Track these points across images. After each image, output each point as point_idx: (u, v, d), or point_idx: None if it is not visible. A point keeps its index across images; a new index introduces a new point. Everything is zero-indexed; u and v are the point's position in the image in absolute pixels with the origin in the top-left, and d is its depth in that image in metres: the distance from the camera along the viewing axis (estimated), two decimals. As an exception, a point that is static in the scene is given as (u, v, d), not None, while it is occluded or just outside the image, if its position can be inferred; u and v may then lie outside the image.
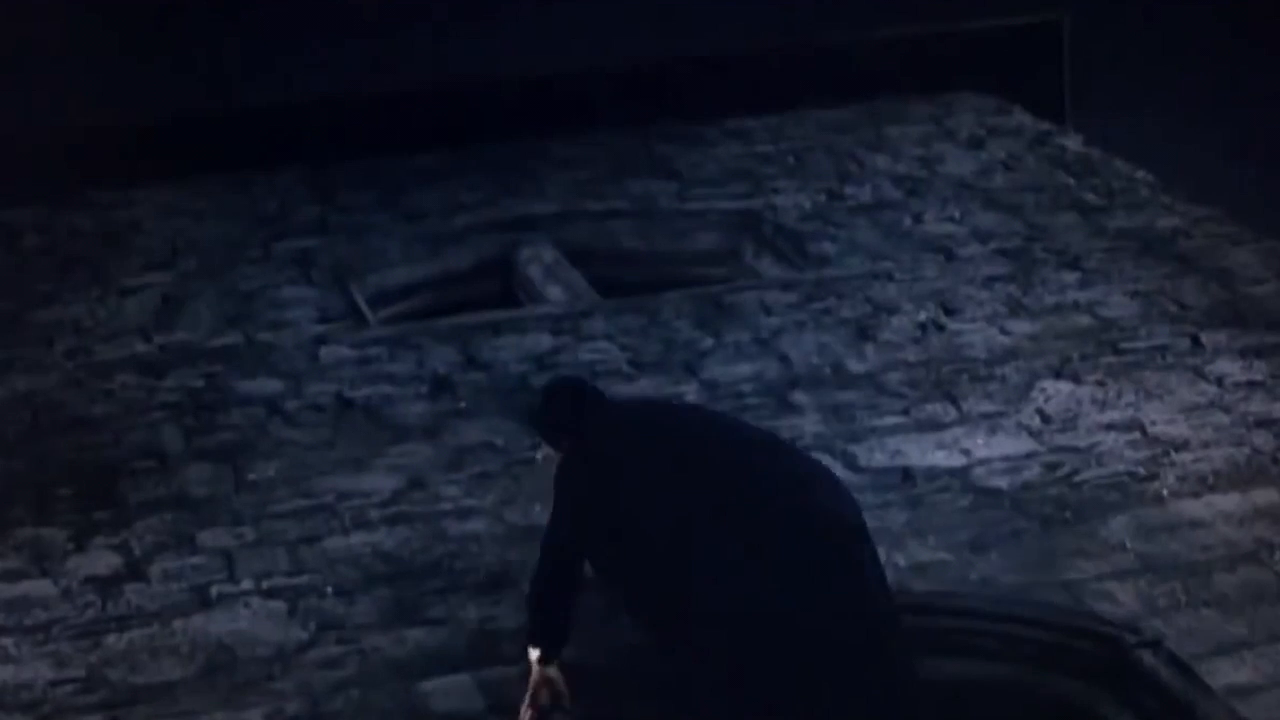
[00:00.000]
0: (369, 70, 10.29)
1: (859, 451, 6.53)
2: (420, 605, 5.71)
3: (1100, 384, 6.97)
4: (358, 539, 6.11)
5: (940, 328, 7.52)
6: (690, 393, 7.02)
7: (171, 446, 6.78)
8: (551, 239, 8.73)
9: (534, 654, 5.19)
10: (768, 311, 7.75)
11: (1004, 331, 7.45)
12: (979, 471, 6.36)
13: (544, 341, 7.54)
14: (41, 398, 7.23)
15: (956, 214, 8.76)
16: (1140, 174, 9.19)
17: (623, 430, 5.27)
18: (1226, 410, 6.71)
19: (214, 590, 5.83)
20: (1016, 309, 7.66)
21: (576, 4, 10.96)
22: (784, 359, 7.30)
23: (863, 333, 7.50)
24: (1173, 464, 6.35)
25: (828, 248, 8.42)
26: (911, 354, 7.29)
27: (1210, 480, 6.23)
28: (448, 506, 6.29)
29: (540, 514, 6.20)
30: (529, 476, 6.46)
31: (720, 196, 9.18)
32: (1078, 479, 6.28)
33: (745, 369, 7.22)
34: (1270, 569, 5.70)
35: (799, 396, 6.97)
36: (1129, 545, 5.86)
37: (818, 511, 4.84)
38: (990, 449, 6.51)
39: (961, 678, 5.43)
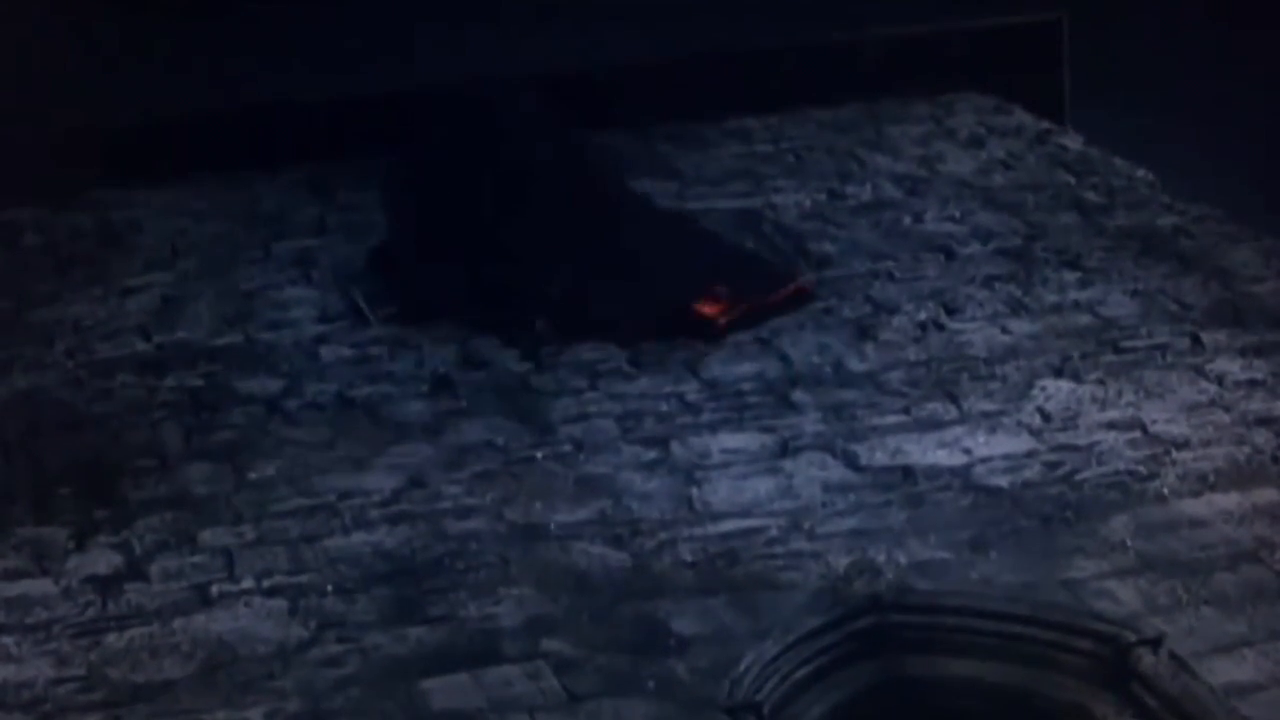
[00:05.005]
0: (369, 70, 10.28)
1: (860, 450, 6.53)
2: (421, 604, 5.72)
3: (1101, 383, 6.97)
4: (358, 538, 6.11)
5: (941, 327, 7.52)
6: (691, 392, 7.02)
7: (172, 446, 6.79)
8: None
9: None
10: (768, 310, 7.75)
11: (1004, 330, 7.45)
12: (979, 470, 6.37)
13: (544, 341, 7.54)
14: (42, 397, 7.23)
15: (957, 213, 8.75)
16: (1140, 173, 9.19)
17: None
18: (1227, 409, 6.71)
19: (214, 589, 5.83)
20: (1017, 308, 7.66)
21: (576, 4, 10.95)
22: (784, 358, 7.30)
23: (863, 332, 7.50)
24: (1173, 463, 6.35)
25: (828, 247, 8.42)
26: (912, 353, 7.30)
27: (1211, 479, 6.23)
28: (448, 505, 6.29)
29: (541, 511, 6.22)
30: (529, 475, 6.47)
31: (720, 196, 9.17)
32: (1078, 478, 6.28)
33: (746, 368, 7.22)
34: (1270, 568, 5.70)
35: (800, 395, 6.97)
36: (1129, 544, 5.86)
37: None
38: (991, 448, 6.51)
39: (961, 677, 5.44)
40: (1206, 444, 6.46)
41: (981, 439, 6.57)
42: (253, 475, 6.53)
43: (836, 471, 6.40)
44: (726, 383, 7.09)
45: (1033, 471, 6.33)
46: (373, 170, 8.84)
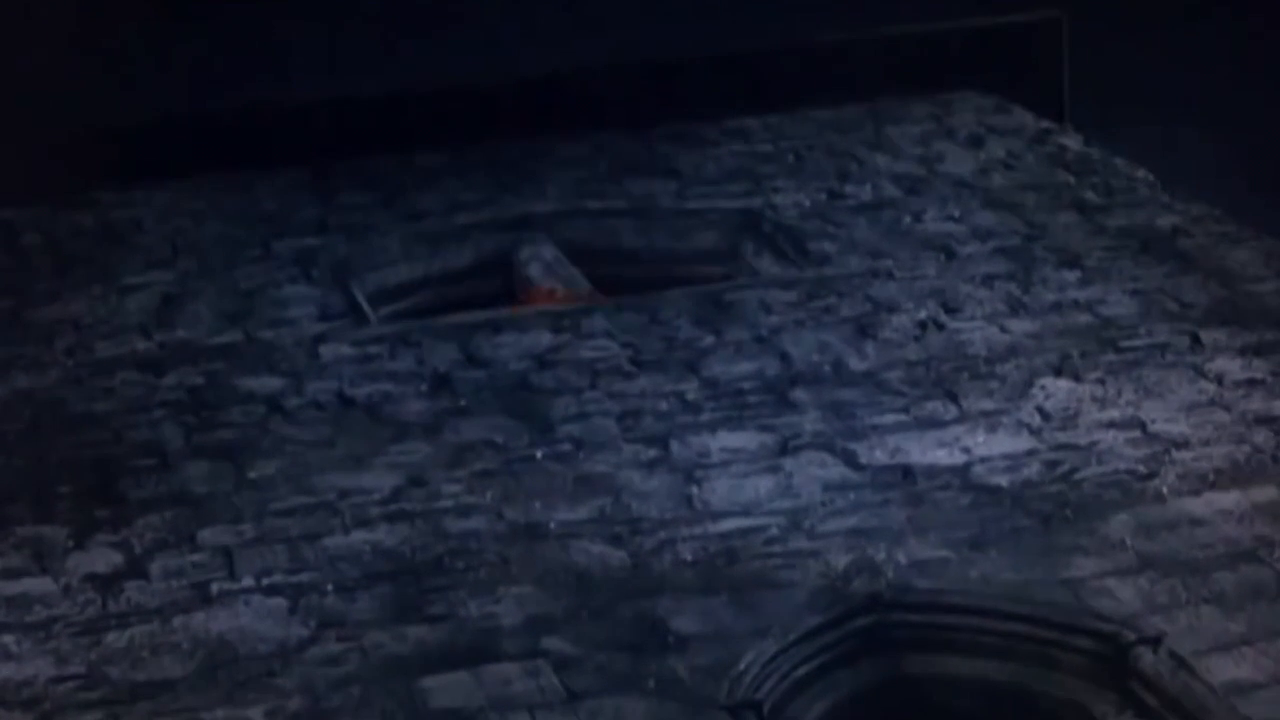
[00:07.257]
0: (369, 70, 10.29)
1: (859, 449, 6.53)
2: (421, 602, 5.72)
3: (1100, 382, 6.97)
4: (358, 536, 6.11)
5: (940, 326, 7.52)
6: (691, 390, 7.03)
7: (172, 444, 6.79)
8: (552, 238, 8.73)
9: None
10: (768, 310, 7.75)
11: (1004, 330, 7.46)
12: (979, 469, 6.37)
13: (544, 339, 7.54)
14: (42, 396, 7.24)
15: (956, 213, 8.76)
16: (1140, 173, 9.20)
17: None
18: (1226, 408, 6.71)
19: (214, 587, 5.83)
20: (1016, 307, 7.67)
21: (577, 4, 10.96)
22: (784, 357, 7.31)
23: (863, 331, 7.50)
24: (1173, 462, 6.35)
25: (828, 246, 8.43)
26: (912, 352, 7.30)
27: (1210, 478, 6.24)
28: (448, 504, 6.29)
29: (540, 510, 6.22)
30: (529, 473, 6.47)
31: (720, 195, 9.18)
32: (1078, 477, 6.28)
33: (746, 367, 7.23)
34: (1270, 566, 5.70)
35: (799, 394, 6.98)
36: (1129, 543, 5.86)
37: None
38: (990, 447, 6.51)
39: (961, 676, 5.44)
40: (1206, 443, 6.46)
41: (981, 438, 6.57)
42: (253, 474, 6.54)
43: (836, 470, 6.40)
44: (726, 381, 7.09)
45: (1032, 470, 6.33)
46: (372, 170, 8.88)
